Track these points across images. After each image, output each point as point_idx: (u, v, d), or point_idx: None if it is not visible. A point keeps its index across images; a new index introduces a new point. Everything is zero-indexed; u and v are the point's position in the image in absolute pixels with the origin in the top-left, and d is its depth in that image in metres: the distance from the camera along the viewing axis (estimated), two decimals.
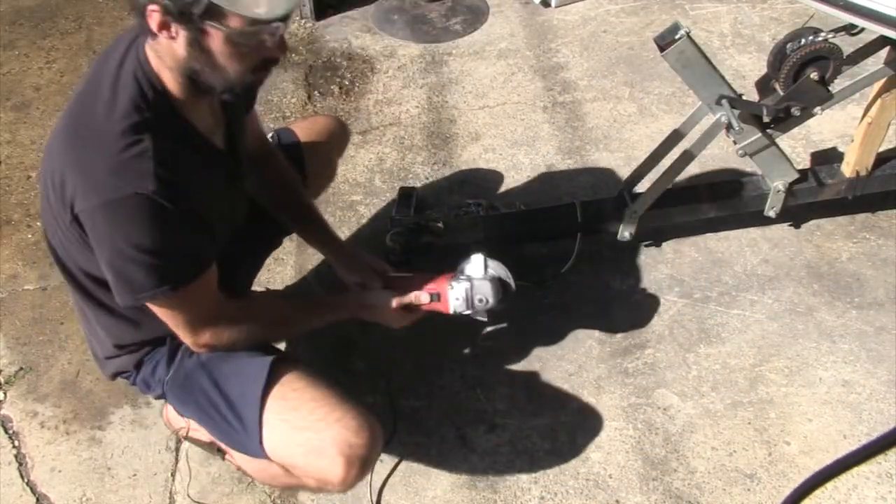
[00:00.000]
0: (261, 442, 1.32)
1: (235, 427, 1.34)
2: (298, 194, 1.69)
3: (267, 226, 1.67)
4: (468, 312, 1.50)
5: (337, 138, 1.91)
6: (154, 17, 1.08)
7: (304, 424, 1.31)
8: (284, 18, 1.12)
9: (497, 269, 1.52)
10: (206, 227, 1.26)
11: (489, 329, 1.95)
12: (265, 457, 1.33)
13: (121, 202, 1.13)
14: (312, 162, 1.77)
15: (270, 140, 1.72)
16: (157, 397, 1.53)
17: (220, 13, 1.07)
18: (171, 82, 1.19)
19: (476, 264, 1.50)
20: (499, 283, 1.51)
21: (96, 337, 1.47)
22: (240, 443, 1.36)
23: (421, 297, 1.50)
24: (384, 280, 1.60)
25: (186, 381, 1.40)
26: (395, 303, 1.49)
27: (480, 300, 1.49)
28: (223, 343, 1.35)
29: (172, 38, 1.11)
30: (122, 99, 1.16)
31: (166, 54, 1.15)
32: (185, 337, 1.32)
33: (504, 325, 1.96)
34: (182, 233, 1.20)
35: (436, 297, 1.50)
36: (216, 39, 1.11)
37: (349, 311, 1.53)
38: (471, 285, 1.48)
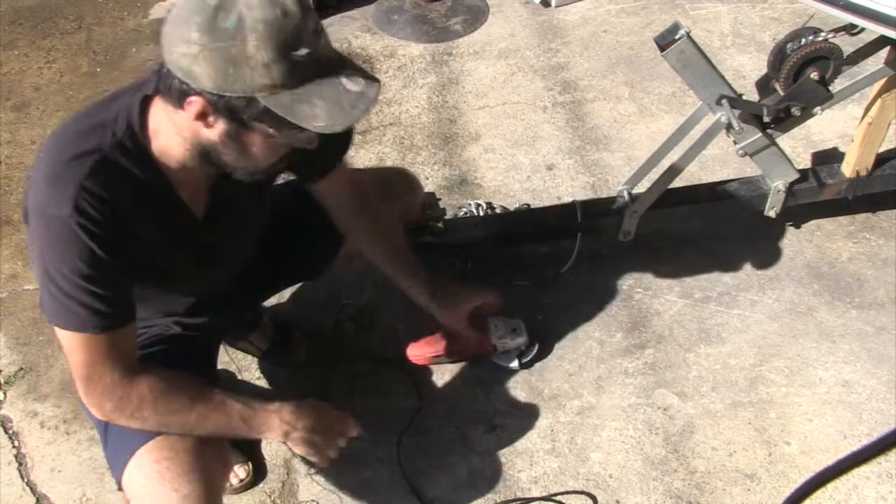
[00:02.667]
0: (122, 476, 1.26)
1: (110, 452, 1.30)
2: (396, 241, 1.61)
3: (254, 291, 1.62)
4: (505, 342, 1.77)
5: (409, 193, 1.80)
6: (194, 106, 1.03)
7: (151, 478, 1.22)
8: None
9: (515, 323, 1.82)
10: (127, 283, 1.17)
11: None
12: (121, 489, 1.29)
13: (47, 217, 1.09)
14: (370, 223, 1.61)
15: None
16: None
17: (275, 118, 1.02)
18: (172, 145, 1.13)
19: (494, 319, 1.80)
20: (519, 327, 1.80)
21: None
22: (111, 465, 1.31)
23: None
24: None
25: None
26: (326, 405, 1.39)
27: (514, 330, 1.78)
28: (110, 410, 1.20)
29: (208, 126, 1.06)
30: (93, 124, 1.12)
31: (187, 130, 1.09)
32: (77, 386, 1.20)
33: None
34: (91, 277, 1.11)
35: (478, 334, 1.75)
36: (258, 136, 1.06)
37: (271, 418, 1.31)
38: (504, 320, 1.80)
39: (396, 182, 1.77)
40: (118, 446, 1.28)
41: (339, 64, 1.06)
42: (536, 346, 1.82)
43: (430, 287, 1.63)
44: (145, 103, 1.13)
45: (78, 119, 1.16)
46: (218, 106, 1.02)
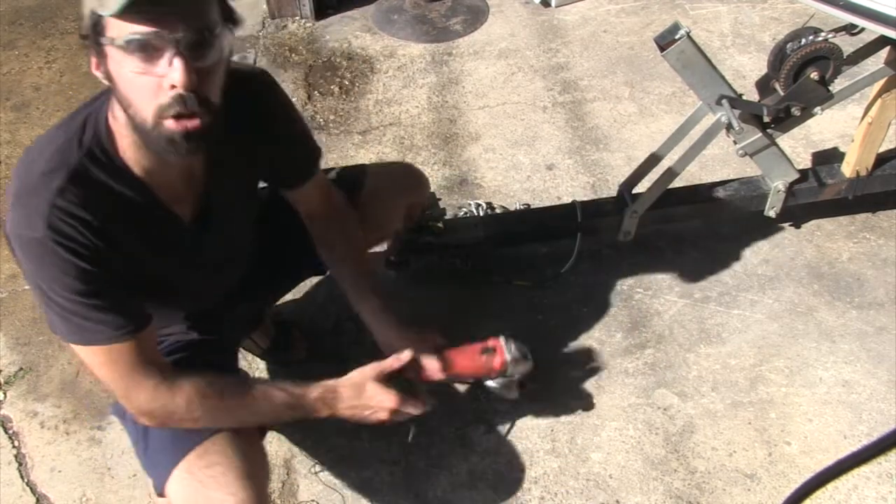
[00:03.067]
0: (166, 481, 1.26)
1: (150, 457, 1.30)
2: (354, 261, 1.51)
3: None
4: (518, 372, 1.53)
5: (415, 191, 1.75)
6: (92, 58, 1.02)
7: (205, 483, 1.22)
8: (174, 35, 0.97)
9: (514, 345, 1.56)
10: (121, 291, 1.14)
11: (489, 329, 1.94)
12: (163, 495, 1.28)
13: (24, 239, 1.07)
14: (375, 212, 1.60)
15: (329, 178, 1.56)
16: None
17: (103, 25, 0.98)
18: (122, 137, 1.10)
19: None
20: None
21: None
22: (150, 470, 1.31)
23: (401, 356, 1.36)
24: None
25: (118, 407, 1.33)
26: (372, 373, 1.31)
27: (525, 354, 1.54)
28: (159, 416, 1.20)
29: (98, 71, 1.03)
30: (60, 136, 1.10)
31: (113, 102, 1.07)
32: (119, 397, 1.20)
33: (504, 325, 1.96)
34: (84, 291, 1.09)
35: (491, 350, 1.50)
36: (113, 61, 1.00)
37: (322, 408, 1.29)
38: (515, 342, 1.53)
39: (403, 177, 1.74)
40: (160, 452, 1.26)
41: None
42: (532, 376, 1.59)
43: (380, 313, 1.49)
44: (107, 105, 1.10)
45: (47, 135, 1.12)
46: (86, 39, 1.01)
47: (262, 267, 1.53)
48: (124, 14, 0.95)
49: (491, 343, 1.50)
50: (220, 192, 1.27)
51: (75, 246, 1.07)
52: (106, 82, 1.04)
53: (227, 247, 1.36)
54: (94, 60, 1.03)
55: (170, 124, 1.03)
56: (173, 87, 0.99)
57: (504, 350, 1.50)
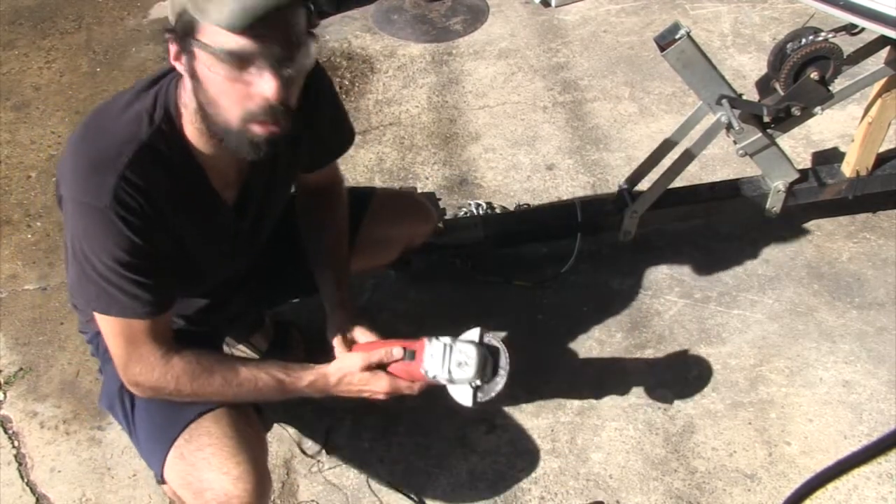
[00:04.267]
0: (162, 468, 1.28)
1: (144, 448, 1.32)
2: (336, 236, 1.51)
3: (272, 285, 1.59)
4: (444, 379, 1.26)
5: (415, 223, 1.70)
6: (172, 48, 1.04)
7: (197, 465, 1.25)
8: (277, 53, 1.01)
9: (494, 341, 1.30)
10: (166, 269, 1.17)
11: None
12: (164, 482, 1.31)
13: (85, 207, 1.09)
14: (372, 233, 1.59)
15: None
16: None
17: (196, 28, 1.00)
18: (188, 123, 1.13)
19: (471, 333, 1.30)
20: (488, 354, 1.27)
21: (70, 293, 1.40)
22: (147, 460, 1.33)
23: (393, 351, 1.28)
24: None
25: (111, 402, 1.37)
26: (362, 362, 1.28)
27: (460, 363, 1.24)
28: (149, 387, 1.22)
29: (181, 65, 1.06)
30: (132, 111, 1.12)
31: (186, 91, 1.10)
32: (117, 367, 1.23)
33: (504, 325, 1.96)
34: (132, 266, 1.12)
35: (410, 354, 1.28)
36: (201, 63, 1.03)
37: (316, 386, 1.30)
38: (451, 346, 1.25)
39: (409, 209, 1.70)
40: (152, 440, 1.29)
41: None
42: (500, 384, 1.28)
43: (339, 297, 1.46)
44: (175, 84, 1.13)
45: (119, 102, 1.14)
46: (173, 34, 1.03)
47: (263, 265, 1.53)
48: (230, 28, 0.98)
49: (414, 346, 1.29)
50: (261, 180, 1.30)
51: (134, 219, 1.09)
52: (188, 77, 1.06)
53: (254, 235, 1.39)
54: (174, 51, 1.05)
55: (256, 129, 1.07)
56: (263, 96, 1.03)
57: (424, 357, 1.26)
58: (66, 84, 2.82)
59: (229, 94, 1.04)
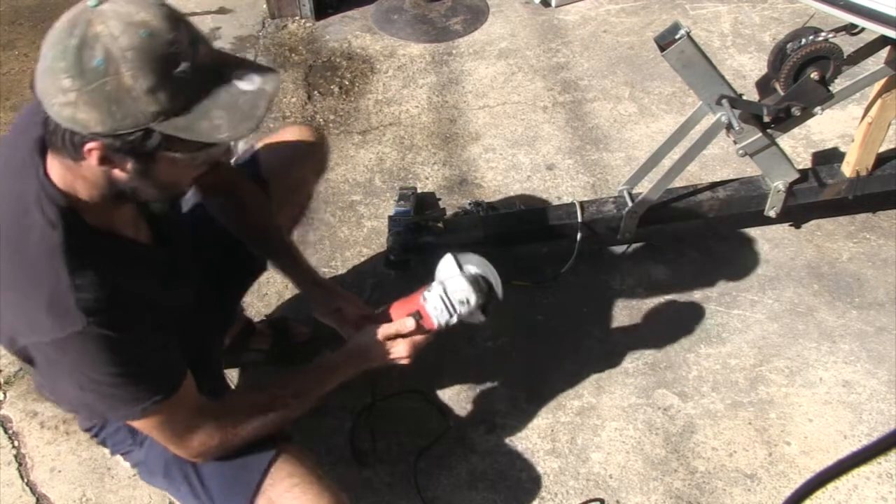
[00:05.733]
0: None
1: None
2: (264, 224, 1.52)
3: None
4: (455, 320, 1.34)
5: (311, 157, 1.67)
6: (94, 153, 0.96)
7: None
8: None
9: (473, 262, 1.36)
10: (161, 339, 1.13)
11: (489, 329, 1.94)
12: None
13: (62, 342, 1.02)
14: (279, 188, 1.57)
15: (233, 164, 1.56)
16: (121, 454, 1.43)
17: (179, 143, 0.97)
18: (88, 197, 1.05)
19: (447, 265, 1.35)
20: (477, 277, 1.35)
21: (50, 399, 1.39)
22: None
23: (405, 323, 1.34)
24: (359, 321, 1.45)
25: (167, 471, 1.33)
26: (381, 336, 1.34)
27: (462, 301, 1.32)
28: (214, 448, 1.22)
29: (115, 168, 1.00)
30: (31, 231, 1.02)
31: (97, 176, 1.02)
32: (174, 450, 1.21)
33: (504, 325, 1.96)
34: (137, 356, 1.08)
35: (417, 316, 1.35)
36: (164, 163, 1.00)
37: (344, 368, 1.35)
38: (444, 289, 1.33)
39: (298, 141, 1.65)
40: (232, 494, 1.27)
41: (227, 67, 0.99)
42: (499, 289, 1.38)
43: (309, 275, 1.55)
44: (45, 177, 1.05)
45: (5, 236, 1.04)
46: (116, 146, 0.95)
47: (211, 269, 1.49)
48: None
49: (415, 308, 1.35)
50: (159, 209, 1.25)
51: (112, 316, 1.04)
52: (124, 173, 1.00)
53: (184, 252, 1.33)
54: (104, 156, 0.97)
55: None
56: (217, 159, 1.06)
57: (429, 313, 1.34)
58: None
59: (190, 174, 1.06)
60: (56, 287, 1.01)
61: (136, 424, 1.16)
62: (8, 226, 1.05)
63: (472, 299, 1.32)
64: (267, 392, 1.29)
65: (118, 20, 0.90)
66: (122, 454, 1.41)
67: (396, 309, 1.39)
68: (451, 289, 1.32)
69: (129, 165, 0.99)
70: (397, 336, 1.35)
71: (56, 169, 1.04)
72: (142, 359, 1.09)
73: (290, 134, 1.64)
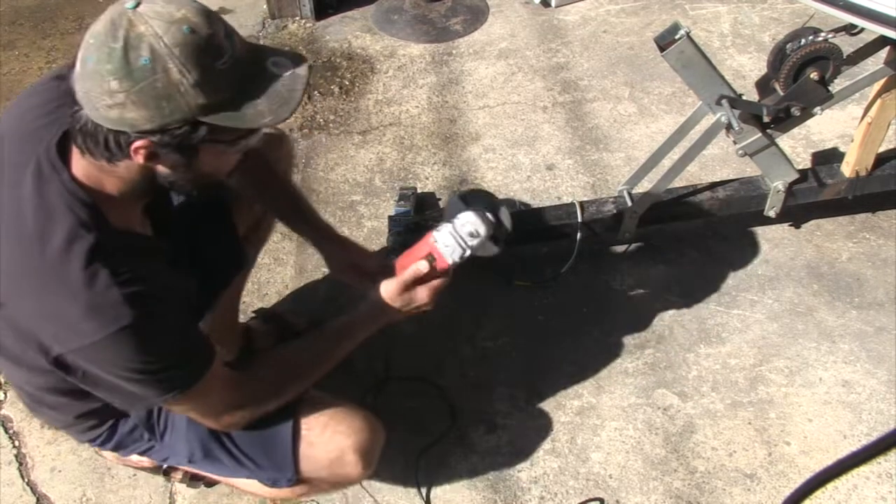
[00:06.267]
0: (297, 467, 1.33)
1: (268, 465, 1.34)
2: (279, 180, 1.56)
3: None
4: (469, 253, 1.34)
5: (277, 148, 1.65)
6: (141, 151, 1.00)
7: (324, 441, 1.32)
8: None
9: (479, 198, 1.39)
10: (190, 320, 1.18)
11: (489, 329, 1.95)
12: (300, 482, 1.36)
13: (106, 340, 1.03)
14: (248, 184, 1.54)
15: None
16: (141, 453, 1.43)
17: (223, 132, 1.02)
18: (117, 193, 1.09)
19: (454, 204, 1.38)
20: (482, 209, 1.36)
21: (47, 415, 1.37)
22: (270, 480, 1.36)
23: (419, 266, 1.33)
24: (376, 276, 1.43)
25: (207, 451, 1.35)
26: (398, 286, 1.33)
27: (472, 233, 1.33)
28: (250, 416, 1.27)
29: (161, 163, 1.04)
30: (59, 238, 1.03)
31: (135, 173, 1.06)
32: (211, 424, 1.25)
33: (504, 325, 1.96)
34: (173, 340, 1.12)
35: (431, 258, 1.34)
36: (208, 154, 1.05)
37: (368, 323, 1.36)
38: (453, 225, 1.34)
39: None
40: (272, 453, 1.32)
41: (261, 56, 1.04)
42: (507, 217, 1.40)
43: (322, 231, 1.57)
44: (68, 176, 1.07)
45: (34, 238, 1.04)
46: (165, 142, 0.99)
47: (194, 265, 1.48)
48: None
49: (426, 251, 1.35)
50: (155, 201, 1.26)
51: (149, 308, 1.06)
52: (164, 171, 1.05)
53: (178, 246, 1.33)
54: (151, 153, 1.01)
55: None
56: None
57: (442, 253, 1.33)
58: None
59: (231, 160, 1.11)
60: (94, 288, 1.02)
61: (175, 406, 1.19)
62: (29, 234, 1.05)
63: (482, 230, 1.33)
64: (291, 357, 1.33)
65: (160, 19, 0.95)
66: (140, 453, 1.42)
67: (407, 257, 1.38)
68: (460, 223, 1.33)
69: (174, 159, 1.03)
70: (414, 283, 1.34)
71: (82, 170, 1.07)
72: (182, 341, 1.13)
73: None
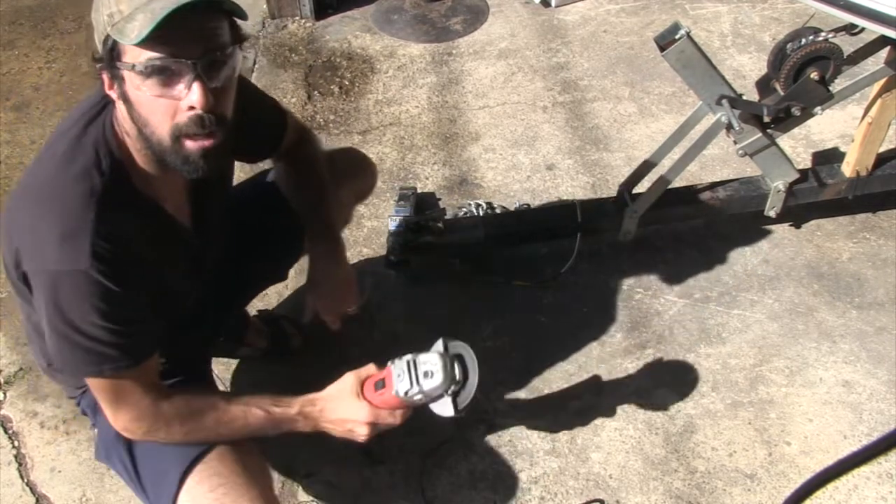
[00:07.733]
0: None
1: (151, 494, 1.29)
2: (318, 183, 1.51)
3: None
4: (420, 396, 1.22)
5: (359, 178, 1.69)
6: (105, 78, 1.04)
7: (206, 501, 1.23)
8: (195, 61, 1.00)
9: (459, 349, 1.27)
10: (148, 315, 1.16)
11: (489, 329, 1.95)
12: None
13: (62, 275, 1.06)
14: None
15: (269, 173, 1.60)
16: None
17: (121, 51, 1.01)
18: (135, 152, 1.12)
19: (434, 347, 1.28)
20: (452, 360, 1.24)
21: (37, 345, 1.37)
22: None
23: (369, 367, 1.30)
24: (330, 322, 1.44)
25: (108, 452, 1.33)
26: (354, 378, 1.28)
27: (426, 373, 1.22)
28: (152, 436, 1.23)
29: (113, 92, 1.06)
30: (76, 167, 1.08)
31: (121, 118, 1.09)
32: (112, 420, 1.21)
33: (504, 325, 1.96)
34: (116, 314, 1.10)
35: (380, 383, 1.26)
36: (130, 85, 1.03)
37: (298, 422, 1.29)
38: (414, 360, 1.24)
39: (351, 166, 1.69)
40: (159, 485, 1.26)
41: None
42: (474, 384, 1.25)
43: (319, 241, 1.49)
44: (110, 123, 1.11)
45: (56, 158, 1.10)
46: (99, 58, 1.03)
47: (229, 271, 1.50)
48: (144, 42, 0.97)
49: (381, 375, 1.27)
50: (207, 195, 1.28)
51: (115, 271, 1.07)
52: (121, 102, 1.06)
53: (216, 248, 1.37)
54: (107, 81, 1.05)
55: (189, 144, 1.06)
56: (191, 108, 1.03)
57: (393, 380, 1.24)
58: (66, 84, 2.82)
59: (158, 110, 1.04)
60: (77, 223, 1.05)
61: (90, 381, 1.18)
62: (63, 151, 1.10)
63: (439, 375, 1.21)
64: (226, 408, 1.25)
65: None
66: (92, 426, 1.42)
67: (369, 376, 1.30)
68: (421, 359, 1.24)
69: (117, 91, 1.05)
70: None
71: (115, 123, 1.11)
72: (123, 322, 1.11)
73: (345, 154, 1.72)
